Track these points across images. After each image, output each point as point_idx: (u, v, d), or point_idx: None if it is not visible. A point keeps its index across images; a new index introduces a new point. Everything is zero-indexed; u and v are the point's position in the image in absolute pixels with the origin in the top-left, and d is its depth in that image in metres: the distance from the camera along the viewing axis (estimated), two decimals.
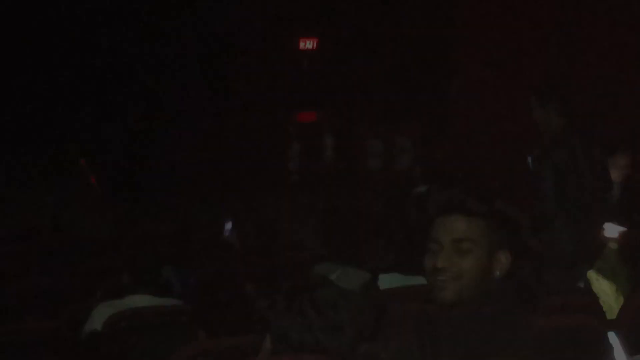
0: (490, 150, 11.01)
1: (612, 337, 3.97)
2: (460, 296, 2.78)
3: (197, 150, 14.50)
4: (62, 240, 10.95)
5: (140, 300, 5.28)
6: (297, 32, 15.28)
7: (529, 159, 6.77)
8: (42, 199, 13.54)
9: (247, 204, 12.46)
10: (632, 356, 3.88)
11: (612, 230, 6.24)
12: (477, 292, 2.78)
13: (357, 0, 14.12)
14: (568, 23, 10.86)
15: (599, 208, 6.63)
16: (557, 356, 2.70)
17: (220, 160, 14.38)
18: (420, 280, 2.98)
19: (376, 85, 14.42)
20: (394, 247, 5.94)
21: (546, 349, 2.75)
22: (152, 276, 5.61)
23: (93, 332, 4.75)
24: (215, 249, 9.60)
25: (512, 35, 11.45)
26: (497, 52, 11.70)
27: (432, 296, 2.84)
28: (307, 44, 15.50)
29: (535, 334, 2.77)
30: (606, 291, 5.59)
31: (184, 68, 14.53)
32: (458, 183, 2.86)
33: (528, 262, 4.72)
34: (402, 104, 13.96)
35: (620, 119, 9.53)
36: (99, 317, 5.07)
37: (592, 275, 5.80)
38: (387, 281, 5.13)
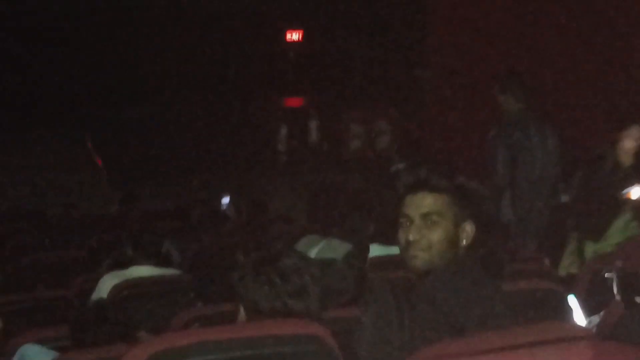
0: (459, 132, 11.00)
1: (572, 300, 3.97)
2: (431, 264, 2.79)
3: (195, 133, 14.49)
4: (71, 217, 10.94)
5: (142, 271, 5.28)
6: (284, 24, 15.25)
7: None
8: (54, 180, 13.51)
9: (240, 181, 12.45)
10: (590, 317, 3.89)
11: (637, 192, 6.09)
12: (446, 260, 2.78)
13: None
14: (529, 17, 10.85)
15: (550, 181, 6.72)
16: (522, 318, 2.70)
17: (216, 143, 14.37)
18: (397, 250, 2.97)
19: (357, 73, 14.41)
20: (373, 220, 5.93)
21: (512, 311, 2.74)
22: (153, 249, 5.60)
23: (100, 299, 4.74)
24: (212, 222, 9.61)
25: (478, 30, 11.46)
26: (464, 45, 11.71)
27: (407, 265, 2.85)
28: (294, 36, 15.48)
29: (501, 297, 2.76)
30: None
31: (184, 61, 14.48)
32: (424, 164, 2.89)
33: (494, 232, 4.73)
34: (380, 91, 13.96)
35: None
36: (105, 286, 5.07)
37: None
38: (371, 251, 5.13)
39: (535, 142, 6.63)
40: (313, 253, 4.51)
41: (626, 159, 6.36)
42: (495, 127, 6.78)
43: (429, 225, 2.81)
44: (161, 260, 5.59)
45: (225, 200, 11.10)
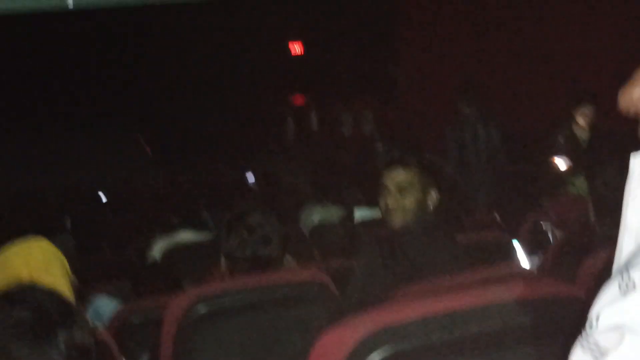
0: (425, 118, 10.96)
1: (516, 244, 3.97)
2: (405, 223, 2.80)
3: (225, 125, 14.46)
4: (130, 193, 10.94)
5: (185, 235, 5.27)
6: (289, 39, 15.20)
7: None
8: (114, 165, 13.48)
9: (260, 160, 12.44)
10: (530, 256, 3.88)
11: (562, 165, 6.01)
12: (416, 219, 2.79)
13: (332, 17, 14.02)
14: (484, 23, 10.79)
15: (492, 167, 6.85)
16: (476, 261, 2.70)
17: (241, 131, 14.36)
18: (379, 212, 2.97)
19: (346, 74, 14.36)
20: (362, 189, 5.93)
21: (468, 257, 2.75)
22: (193, 218, 5.58)
23: (153, 259, 4.75)
24: (239, 193, 9.57)
25: (441, 36, 11.41)
26: (430, 48, 11.67)
27: (387, 224, 2.86)
28: (296, 48, 15.43)
29: (459, 247, 2.77)
30: None
31: (214, 70, 14.41)
32: (398, 144, 2.89)
33: (456, 196, 4.73)
34: (365, 87, 13.92)
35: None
36: (157, 248, 5.07)
37: None
38: (358, 214, 5.12)
39: (482, 138, 6.82)
40: (315, 217, 4.50)
41: (580, 133, 6.19)
42: (451, 124, 6.98)
43: (402, 194, 2.82)
44: (200, 226, 5.59)
45: (250, 175, 11.11)
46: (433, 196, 2.83)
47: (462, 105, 6.84)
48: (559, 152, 6.13)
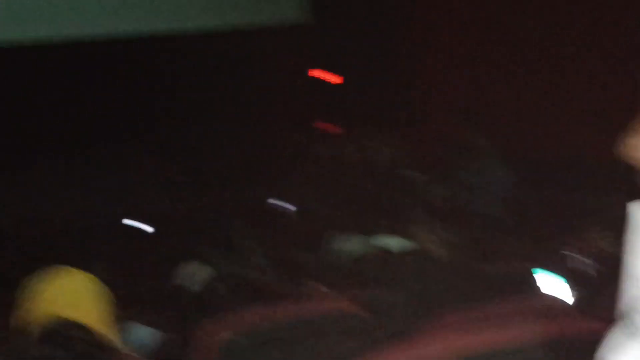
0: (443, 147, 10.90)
1: (549, 276, 3.90)
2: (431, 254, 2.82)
3: (235, 147, 14.31)
4: (170, 222, 10.85)
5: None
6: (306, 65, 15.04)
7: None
8: (129, 186, 13.35)
9: (288, 189, 12.36)
10: (562, 289, 3.81)
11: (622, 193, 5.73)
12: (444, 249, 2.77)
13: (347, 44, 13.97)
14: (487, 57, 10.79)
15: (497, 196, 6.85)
16: (500, 292, 2.69)
17: (253, 154, 14.23)
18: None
19: (376, 100, 14.26)
20: (390, 218, 5.87)
21: (492, 287, 2.73)
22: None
23: (194, 289, 4.70)
24: (275, 222, 9.43)
25: (447, 67, 11.44)
26: (460, 76, 11.67)
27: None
28: (321, 74, 15.27)
29: (481, 276, 2.74)
30: None
31: (232, 96, 14.35)
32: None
33: (485, 225, 4.68)
34: (391, 114, 13.85)
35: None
36: (198, 278, 4.96)
37: None
38: (383, 242, 5.02)
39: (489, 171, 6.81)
40: (348, 246, 4.47)
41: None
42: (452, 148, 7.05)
43: None
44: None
45: (273, 201, 10.99)
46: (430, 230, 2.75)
47: (462, 131, 6.84)
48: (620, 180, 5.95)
